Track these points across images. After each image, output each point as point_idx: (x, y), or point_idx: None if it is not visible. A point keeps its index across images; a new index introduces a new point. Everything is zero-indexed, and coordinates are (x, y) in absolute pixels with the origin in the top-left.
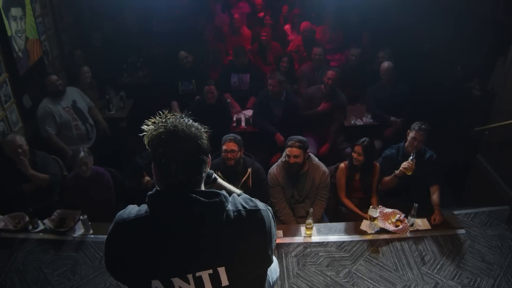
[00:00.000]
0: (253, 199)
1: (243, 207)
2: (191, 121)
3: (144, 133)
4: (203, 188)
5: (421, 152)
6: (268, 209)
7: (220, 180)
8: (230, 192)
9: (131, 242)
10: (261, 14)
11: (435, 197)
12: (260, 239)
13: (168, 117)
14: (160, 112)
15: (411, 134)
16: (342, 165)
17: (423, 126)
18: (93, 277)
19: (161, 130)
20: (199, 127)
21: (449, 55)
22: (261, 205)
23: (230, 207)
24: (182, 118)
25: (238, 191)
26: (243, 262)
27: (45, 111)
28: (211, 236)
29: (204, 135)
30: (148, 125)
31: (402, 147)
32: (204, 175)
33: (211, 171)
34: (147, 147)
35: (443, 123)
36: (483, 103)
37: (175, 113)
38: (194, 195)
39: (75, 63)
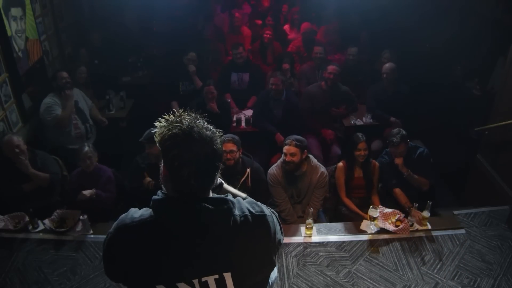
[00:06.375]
0: (259, 203)
1: (250, 212)
2: (206, 123)
3: (155, 130)
4: (210, 194)
5: (411, 151)
6: (273, 213)
7: (226, 185)
8: (235, 197)
9: (135, 247)
10: (259, 21)
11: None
12: (266, 244)
13: (183, 117)
14: (173, 110)
15: (389, 149)
16: (340, 164)
17: (397, 139)
18: (93, 277)
19: (176, 130)
20: (215, 130)
21: (449, 55)
22: (266, 210)
23: (236, 212)
24: (198, 119)
25: (243, 195)
26: (249, 267)
27: (51, 101)
28: (217, 242)
29: (219, 139)
30: (160, 122)
31: (390, 152)
32: (216, 181)
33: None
34: (157, 145)
35: (443, 123)
36: (483, 103)
37: (191, 113)
38: (202, 203)
39: (81, 62)
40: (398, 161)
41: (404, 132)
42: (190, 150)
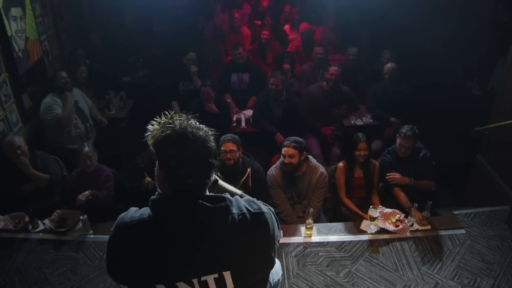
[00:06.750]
0: (256, 201)
1: (248, 210)
2: (198, 123)
3: (149, 133)
4: (207, 192)
5: (415, 151)
6: (271, 210)
7: (221, 182)
8: (231, 194)
9: (134, 246)
10: (259, 22)
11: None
12: (264, 242)
13: (175, 118)
14: (164, 112)
15: (398, 140)
16: (340, 164)
17: (409, 132)
18: (93, 277)
19: (169, 131)
20: (207, 129)
21: (449, 55)
22: (264, 207)
23: (234, 210)
24: (190, 120)
25: (239, 192)
26: (248, 266)
27: (51, 101)
28: (216, 241)
29: (212, 138)
30: (153, 125)
31: (394, 150)
32: (211, 179)
33: None
34: (151, 148)
35: (443, 123)
36: (483, 103)
37: (182, 114)
38: (199, 201)
39: (78, 62)
40: (395, 178)
41: (417, 130)
42: (185, 150)
